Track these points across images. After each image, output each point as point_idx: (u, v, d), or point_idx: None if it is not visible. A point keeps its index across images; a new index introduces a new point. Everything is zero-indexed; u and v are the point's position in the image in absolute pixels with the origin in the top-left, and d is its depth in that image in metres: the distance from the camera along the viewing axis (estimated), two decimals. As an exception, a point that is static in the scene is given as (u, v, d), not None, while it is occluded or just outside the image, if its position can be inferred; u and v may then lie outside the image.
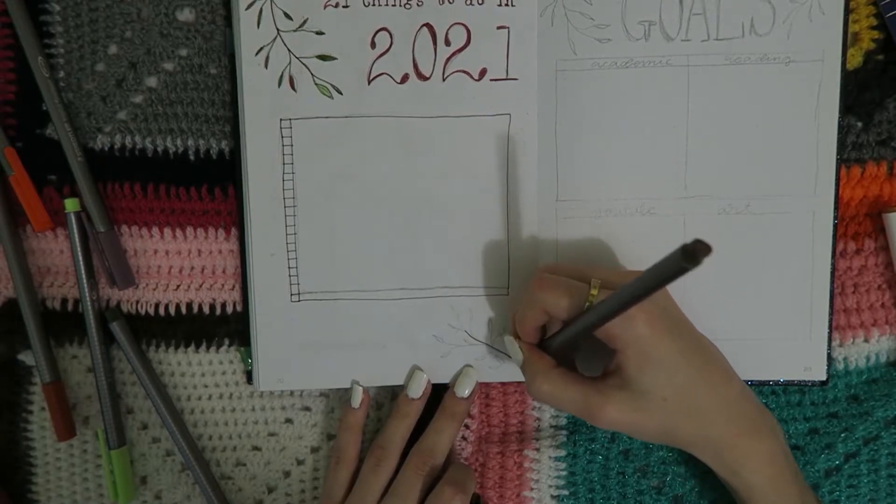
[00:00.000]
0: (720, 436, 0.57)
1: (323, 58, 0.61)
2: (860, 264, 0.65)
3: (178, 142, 0.65)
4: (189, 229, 0.66)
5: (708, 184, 0.62)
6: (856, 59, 0.62)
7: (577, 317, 0.55)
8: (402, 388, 0.65)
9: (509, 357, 0.64)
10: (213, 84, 0.64)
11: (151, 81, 0.64)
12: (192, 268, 0.66)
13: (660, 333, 0.54)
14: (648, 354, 0.54)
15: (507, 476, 0.67)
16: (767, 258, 0.63)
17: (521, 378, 0.65)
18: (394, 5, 0.61)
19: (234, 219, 0.65)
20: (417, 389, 0.64)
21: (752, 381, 0.64)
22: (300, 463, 0.69)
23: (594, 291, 0.53)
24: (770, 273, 0.63)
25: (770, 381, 0.64)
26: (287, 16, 0.61)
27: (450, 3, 0.60)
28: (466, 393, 0.64)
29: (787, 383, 0.65)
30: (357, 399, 0.65)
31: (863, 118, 0.63)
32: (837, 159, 0.62)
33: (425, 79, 0.61)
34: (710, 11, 0.60)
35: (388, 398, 0.68)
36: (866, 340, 0.65)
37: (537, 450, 0.67)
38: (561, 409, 0.66)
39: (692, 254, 0.38)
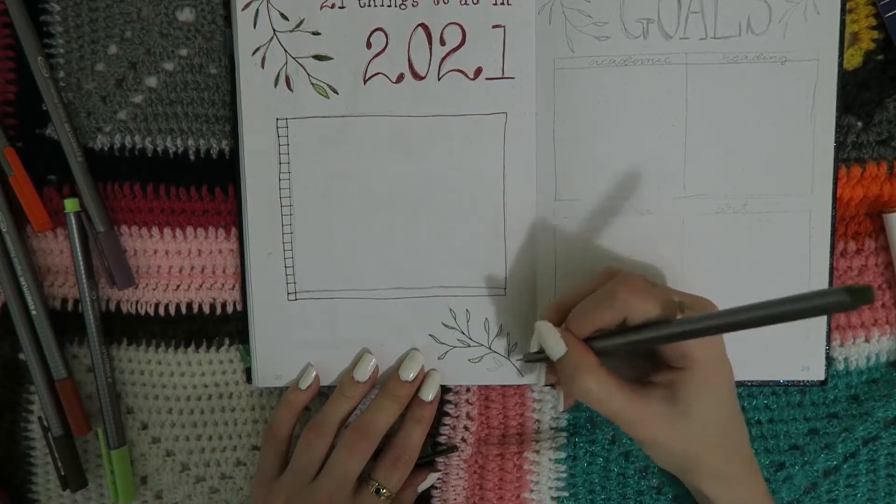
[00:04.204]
0: (737, 472, 0.57)
1: (319, 58, 0.61)
2: (860, 264, 0.64)
3: (178, 142, 0.65)
4: (189, 229, 0.66)
5: (706, 183, 0.62)
6: (855, 59, 0.62)
7: (650, 324, 0.52)
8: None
9: (506, 359, 0.64)
10: (213, 84, 0.64)
11: (151, 81, 0.65)
12: (192, 268, 0.66)
13: (725, 364, 0.54)
14: (711, 381, 0.53)
15: (507, 478, 0.67)
16: (765, 257, 0.63)
17: (517, 381, 0.65)
18: (389, 6, 0.61)
19: (234, 218, 0.65)
20: (364, 373, 0.64)
21: (751, 381, 0.64)
22: (299, 463, 0.69)
23: (680, 307, 0.51)
24: (767, 272, 0.63)
25: (769, 381, 0.64)
26: (283, 16, 0.61)
27: (444, 2, 0.61)
28: (410, 377, 0.63)
29: (786, 383, 0.64)
30: (307, 381, 0.64)
31: (862, 118, 0.63)
32: (835, 159, 0.62)
33: (420, 78, 0.62)
34: (708, 9, 0.60)
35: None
36: (867, 340, 0.65)
37: (537, 451, 0.67)
38: (597, 410, 0.61)
39: (859, 293, 0.36)
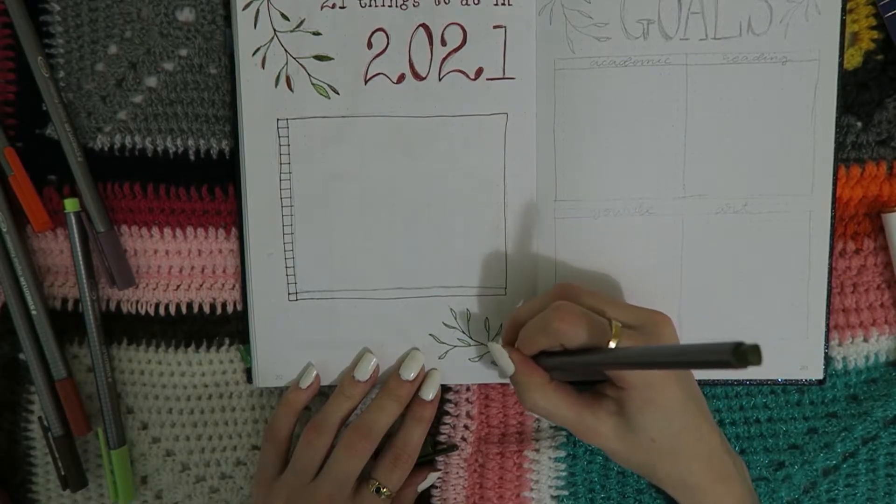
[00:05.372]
0: (696, 481, 0.57)
1: (320, 58, 0.61)
2: (859, 264, 0.64)
3: (178, 142, 0.65)
4: (189, 229, 0.66)
5: (706, 183, 0.62)
6: (855, 59, 0.62)
7: (589, 350, 0.53)
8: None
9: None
10: (213, 84, 0.64)
11: (151, 81, 0.65)
12: (192, 268, 0.66)
13: (669, 382, 0.54)
14: (653, 400, 0.54)
15: (507, 477, 0.67)
16: (765, 258, 0.63)
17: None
18: (390, 6, 0.61)
19: (235, 219, 0.65)
20: (365, 372, 0.64)
21: (749, 380, 0.64)
22: (299, 462, 0.69)
23: (615, 333, 0.53)
24: (767, 272, 0.63)
25: (767, 380, 0.64)
26: (284, 16, 0.61)
27: (445, 3, 0.61)
28: (411, 376, 0.63)
29: (784, 382, 0.65)
30: (307, 381, 0.64)
31: (862, 118, 0.63)
32: (835, 159, 0.62)
33: (421, 79, 0.62)
34: (709, 10, 0.60)
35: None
36: (865, 340, 0.65)
37: (537, 450, 0.67)
38: (551, 421, 0.65)
39: (743, 355, 0.36)
